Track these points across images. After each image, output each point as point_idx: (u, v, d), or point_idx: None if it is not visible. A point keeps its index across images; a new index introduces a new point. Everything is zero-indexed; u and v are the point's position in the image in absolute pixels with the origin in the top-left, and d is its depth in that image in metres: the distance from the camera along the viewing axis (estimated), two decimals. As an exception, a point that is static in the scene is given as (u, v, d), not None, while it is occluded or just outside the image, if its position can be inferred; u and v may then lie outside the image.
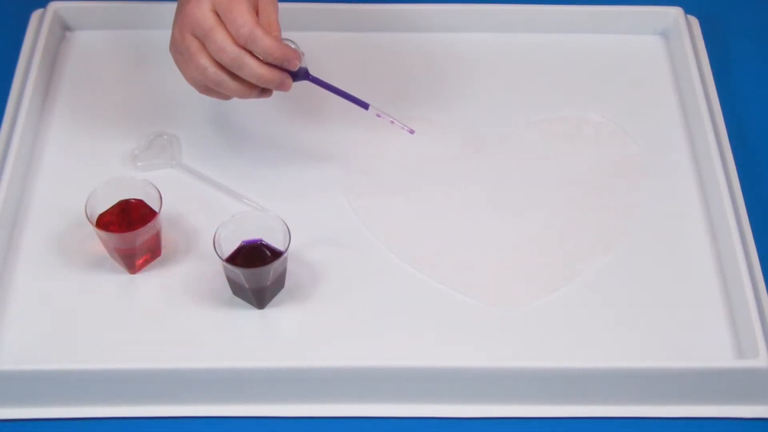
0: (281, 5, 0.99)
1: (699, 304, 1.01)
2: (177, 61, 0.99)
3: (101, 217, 1.00)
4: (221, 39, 0.94)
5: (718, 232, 1.05)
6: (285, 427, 0.95)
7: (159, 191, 1.00)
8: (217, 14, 0.94)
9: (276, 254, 0.97)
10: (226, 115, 1.13)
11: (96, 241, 1.00)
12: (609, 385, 0.95)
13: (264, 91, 0.99)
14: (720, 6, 1.25)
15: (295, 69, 0.97)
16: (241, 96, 0.98)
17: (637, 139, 1.13)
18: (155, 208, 1.00)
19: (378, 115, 1.03)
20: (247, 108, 1.13)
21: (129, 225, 0.99)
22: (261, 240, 0.99)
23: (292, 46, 0.97)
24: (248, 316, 0.99)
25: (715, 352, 0.98)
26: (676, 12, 1.20)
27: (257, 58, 0.95)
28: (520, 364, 0.94)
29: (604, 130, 1.14)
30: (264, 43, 0.94)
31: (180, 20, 0.96)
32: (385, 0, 1.20)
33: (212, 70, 0.96)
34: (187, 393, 0.95)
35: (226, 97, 1.00)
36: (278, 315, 1.00)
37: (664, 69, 1.19)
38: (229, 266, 0.96)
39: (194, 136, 1.11)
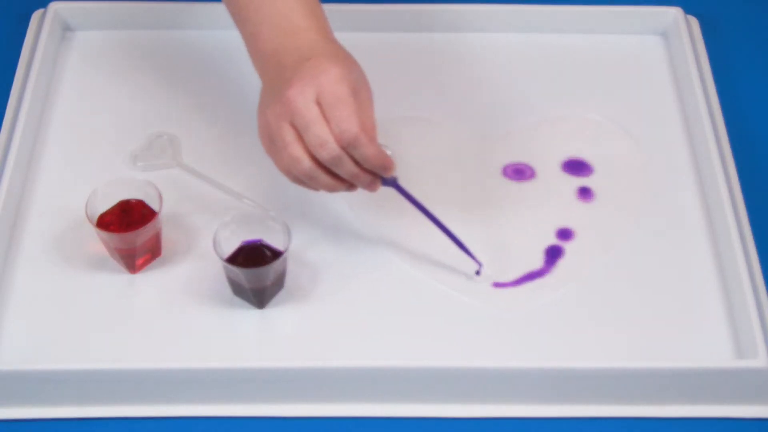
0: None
1: (699, 305, 1.01)
2: (268, 148, 0.94)
3: (101, 217, 1.00)
4: (324, 134, 0.89)
5: (718, 232, 1.05)
6: (285, 427, 0.95)
7: (159, 191, 1.00)
8: (320, 105, 0.90)
9: (276, 254, 0.97)
10: (226, 116, 1.13)
11: (96, 241, 1.00)
12: (609, 385, 0.95)
13: (351, 185, 0.95)
14: (720, 6, 1.25)
15: (388, 176, 0.95)
16: (331, 190, 0.94)
17: (637, 139, 1.13)
18: (155, 208, 1.00)
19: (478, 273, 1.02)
20: (247, 109, 1.13)
21: (129, 225, 0.99)
22: (261, 240, 0.99)
23: (388, 153, 0.94)
24: (248, 316, 0.99)
25: (715, 352, 0.98)
26: (676, 12, 1.20)
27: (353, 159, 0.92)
28: (520, 364, 0.94)
29: (604, 130, 1.14)
30: (366, 151, 0.90)
31: (277, 107, 0.91)
32: (385, 0, 1.20)
33: (308, 164, 0.91)
34: (187, 393, 0.95)
35: (316, 189, 0.95)
36: (278, 315, 1.00)
37: (664, 69, 1.19)
38: (229, 266, 0.96)
39: (194, 136, 1.11)
